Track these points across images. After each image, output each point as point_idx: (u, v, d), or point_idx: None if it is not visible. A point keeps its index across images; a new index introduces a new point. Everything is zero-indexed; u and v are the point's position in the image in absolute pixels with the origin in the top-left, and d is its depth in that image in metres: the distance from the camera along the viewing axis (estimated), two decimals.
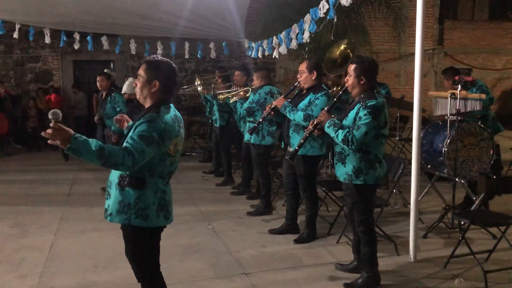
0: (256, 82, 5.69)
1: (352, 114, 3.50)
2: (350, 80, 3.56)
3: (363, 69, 3.50)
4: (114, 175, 2.63)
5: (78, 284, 3.77)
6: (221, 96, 6.29)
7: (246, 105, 5.58)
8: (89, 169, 8.27)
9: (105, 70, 7.79)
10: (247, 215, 5.57)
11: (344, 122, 3.54)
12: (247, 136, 5.65)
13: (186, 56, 9.41)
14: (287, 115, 4.45)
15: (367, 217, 3.63)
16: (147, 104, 2.67)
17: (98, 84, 6.61)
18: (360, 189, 3.55)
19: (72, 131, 2.31)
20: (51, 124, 2.27)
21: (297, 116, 4.36)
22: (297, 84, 4.66)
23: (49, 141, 2.29)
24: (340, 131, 3.46)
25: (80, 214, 5.65)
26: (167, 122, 2.54)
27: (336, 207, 5.20)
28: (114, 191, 2.61)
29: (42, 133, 2.28)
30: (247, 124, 5.66)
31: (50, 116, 2.30)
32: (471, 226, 4.08)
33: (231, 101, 6.12)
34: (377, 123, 3.41)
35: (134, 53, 9.03)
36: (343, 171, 3.60)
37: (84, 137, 2.34)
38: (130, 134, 2.51)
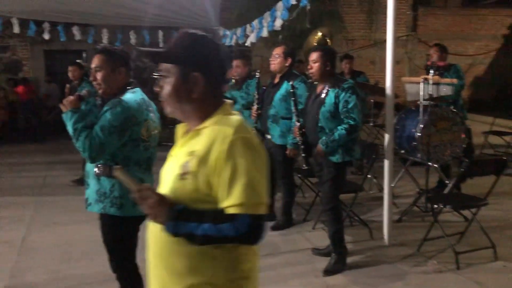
0: (243, 69, 5.13)
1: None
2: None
3: None
4: (90, 165, 2.58)
5: (51, 278, 3.71)
6: None
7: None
8: (61, 161, 8.13)
9: (77, 61, 7.62)
10: None
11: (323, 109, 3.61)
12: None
13: (161, 45, 9.29)
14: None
15: None
16: (113, 92, 2.58)
17: (70, 74, 6.43)
18: None
19: (79, 105, 2.54)
20: (71, 97, 2.56)
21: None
22: (257, 76, 4.63)
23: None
24: (336, 134, 3.56)
25: (54, 207, 5.55)
26: (130, 106, 2.47)
27: (312, 193, 5.23)
28: (92, 181, 2.59)
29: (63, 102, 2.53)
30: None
31: (84, 92, 2.62)
32: (444, 209, 4.16)
33: None
34: None
35: (106, 42, 8.87)
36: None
37: (83, 113, 2.53)
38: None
